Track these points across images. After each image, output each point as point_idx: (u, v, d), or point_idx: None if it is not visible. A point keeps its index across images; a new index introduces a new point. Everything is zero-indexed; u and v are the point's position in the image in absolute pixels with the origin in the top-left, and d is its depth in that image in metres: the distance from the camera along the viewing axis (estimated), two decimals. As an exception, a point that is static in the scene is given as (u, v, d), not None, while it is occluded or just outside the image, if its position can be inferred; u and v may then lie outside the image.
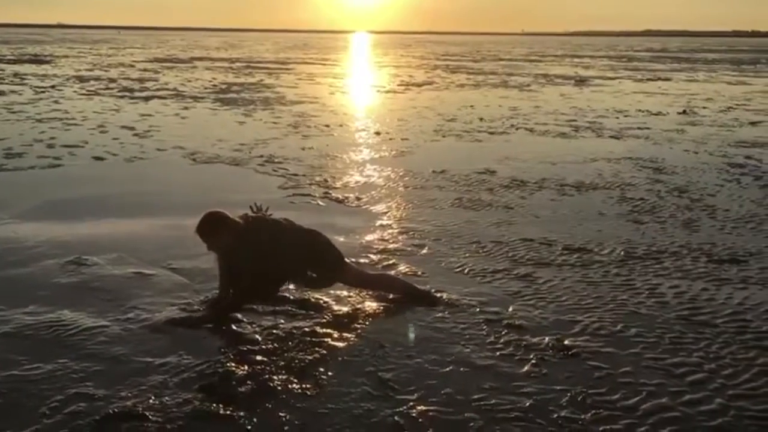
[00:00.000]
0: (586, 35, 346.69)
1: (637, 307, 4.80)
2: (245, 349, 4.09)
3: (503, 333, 4.35)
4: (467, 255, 5.91)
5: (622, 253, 5.99)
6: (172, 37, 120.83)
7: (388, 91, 23.24)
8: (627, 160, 10.60)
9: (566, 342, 4.22)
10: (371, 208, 7.47)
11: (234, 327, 4.40)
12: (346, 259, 4.85)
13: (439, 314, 4.64)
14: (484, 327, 4.44)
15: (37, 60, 37.86)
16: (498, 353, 4.09)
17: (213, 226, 4.29)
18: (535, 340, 4.25)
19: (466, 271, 5.52)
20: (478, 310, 4.71)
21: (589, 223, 7.01)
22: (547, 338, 4.26)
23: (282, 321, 4.50)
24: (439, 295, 4.90)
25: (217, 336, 4.29)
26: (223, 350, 4.08)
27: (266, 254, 4.35)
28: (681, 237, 6.52)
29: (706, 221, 7.12)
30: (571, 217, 7.25)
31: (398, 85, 26.04)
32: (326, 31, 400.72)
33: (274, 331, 4.34)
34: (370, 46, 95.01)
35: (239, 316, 4.53)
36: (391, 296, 4.88)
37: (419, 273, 5.38)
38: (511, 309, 4.72)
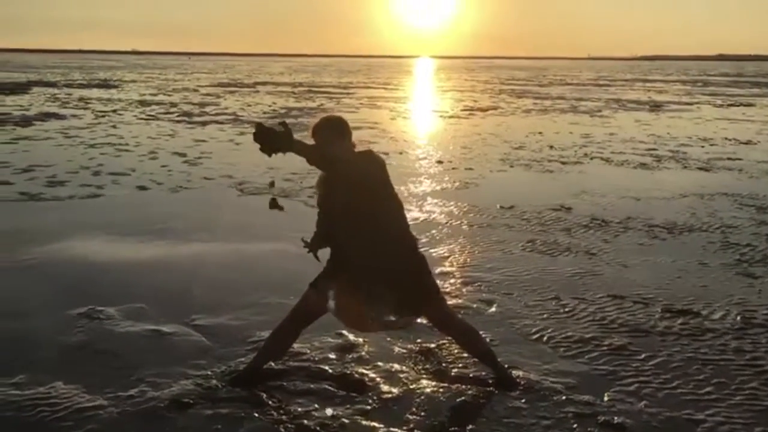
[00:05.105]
0: (655, 59, 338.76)
1: (773, 401, 3.71)
2: (264, 448, 3.21)
3: (599, 436, 3.34)
4: (545, 316, 4.90)
5: (739, 318, 4.88)
6: (239, 63, 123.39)
7: (451, 117, 22.35)
8: (722, 197, 9.37)
9: (686, 455, 3.18)
10: (431, 250, 6.53)
11: (255, 413, 3.53)
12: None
13: (515, 403, 3.66)
14: (574, 425, 3.43)
15: (105, 84, 38.58)
16: (595, 469, 3.08)
17: (326, 128, 3.70)
18: (643, 449, 3.22)
19: (545, 338, 4.52)
20: (564, 398, 3.70)
21: (689, 275, 5.89)
22: (659, 448, 3.23)
23: (316, 405, 3.61)
24: (514, 374, 3.92)
25: (231, 424, 3.42)
26: (236, 449, 3.20)
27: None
28: (808, 297, 5.35)
29: (835, 276, 5.91)
30: (667, 267, 6.14)
31: (462, 110, 25.11)
32: (390, 56, 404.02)
33: (305, 422, 3.45)
34: (434, 70, 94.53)
35: (264, 396, 3.67)
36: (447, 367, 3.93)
37: (487, 340, 4.40)
38: (606, 398, 3.70)
